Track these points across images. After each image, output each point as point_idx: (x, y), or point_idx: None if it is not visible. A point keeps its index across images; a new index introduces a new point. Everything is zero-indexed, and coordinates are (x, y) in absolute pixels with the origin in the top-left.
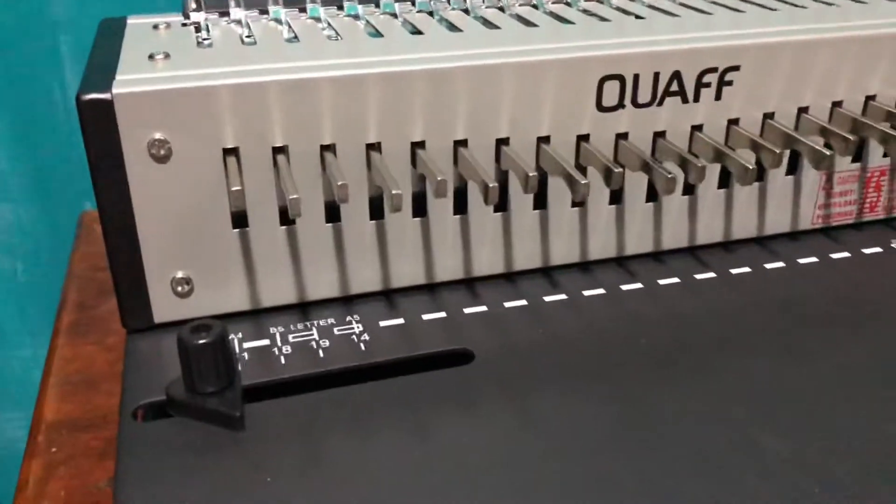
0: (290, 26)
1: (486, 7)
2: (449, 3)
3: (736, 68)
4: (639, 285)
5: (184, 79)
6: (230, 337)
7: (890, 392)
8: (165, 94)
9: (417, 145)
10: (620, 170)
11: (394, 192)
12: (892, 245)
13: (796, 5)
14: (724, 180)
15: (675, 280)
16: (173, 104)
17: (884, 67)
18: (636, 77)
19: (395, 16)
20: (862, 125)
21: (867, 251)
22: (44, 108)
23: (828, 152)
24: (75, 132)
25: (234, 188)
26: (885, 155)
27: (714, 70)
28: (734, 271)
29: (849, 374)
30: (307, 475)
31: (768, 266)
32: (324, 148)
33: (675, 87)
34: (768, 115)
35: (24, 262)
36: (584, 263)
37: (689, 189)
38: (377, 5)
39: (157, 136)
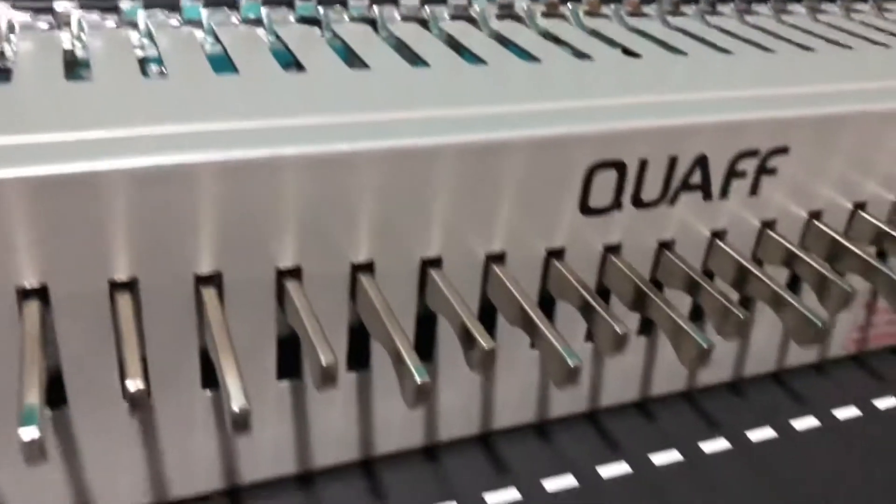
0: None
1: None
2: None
3: (783, 150)
4: (626, 468)
5: None
6: None
7: None
8: None
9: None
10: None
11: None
12: None
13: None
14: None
15: (676, 455)
16: None
17: None
18: (642, 164)
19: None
20: None
21: None
22: None
23: None
24: None
25: None
26: None
27: (754, 153)
28: (753, 436)
29: None
30: None
31: (798, 426)
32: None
33: (696, 178)
34: (814, 215)
35: None
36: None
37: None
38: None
39: None
